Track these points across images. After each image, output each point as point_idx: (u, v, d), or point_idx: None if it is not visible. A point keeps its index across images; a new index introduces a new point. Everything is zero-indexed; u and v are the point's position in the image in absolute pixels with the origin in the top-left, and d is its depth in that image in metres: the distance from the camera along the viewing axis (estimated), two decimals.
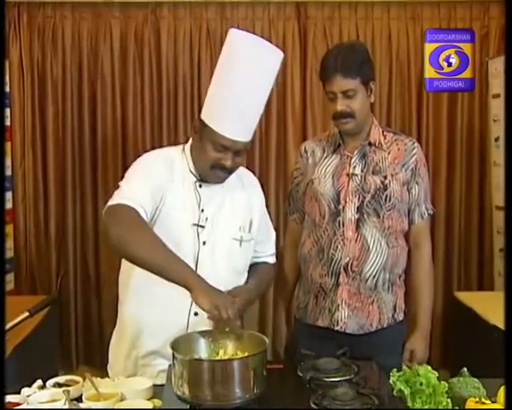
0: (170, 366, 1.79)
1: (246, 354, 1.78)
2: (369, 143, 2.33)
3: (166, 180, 2.04)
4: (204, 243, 2.06)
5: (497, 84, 4.01)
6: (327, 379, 1.85)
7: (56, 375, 1.99)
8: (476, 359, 2.83)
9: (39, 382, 1.91)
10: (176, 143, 4.02)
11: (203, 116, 2.06)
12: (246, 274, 2.20)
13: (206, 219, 2.07)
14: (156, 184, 2.01)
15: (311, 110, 4.20)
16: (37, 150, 4.18)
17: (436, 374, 1.74)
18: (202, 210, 2.07)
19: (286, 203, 2.59)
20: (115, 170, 4.14)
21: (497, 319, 3.03)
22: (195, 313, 2.02)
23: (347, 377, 1.86)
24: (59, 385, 1.89)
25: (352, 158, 2.32)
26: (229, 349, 1.85)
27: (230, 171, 2.07)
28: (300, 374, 1.88)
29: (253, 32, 4.06)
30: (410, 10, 4.20)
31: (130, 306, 2.14)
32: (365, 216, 2.28)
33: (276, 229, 4.30)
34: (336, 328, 2.30)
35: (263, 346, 1.76)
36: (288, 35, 4.18)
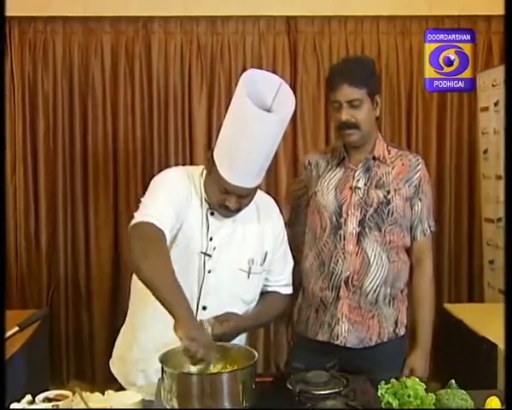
0: (159, 379, 1.79)
1: (235, 367, 1.78)
2: (374, 157, 2.31)
3: (186, 202, 2.03)
4: (209, 271, 2.04)
5: (485, 98, 4.04)
6: (316, 392, 1.84)
7: (47, 389, 1.98)
8: (466, 370, 2.84)
9: (28, 397, 1.90)
10: (166, 157, 4.13)
11: (215, 155, 2.02)
12: (254, 304, 2.17)
13: (214, 248, 2.04)
14: (180, 204, 1.99)
15: (301, 125, 4.23)
16: (27, 164, 4.18)
17: (424, 386, 1.74)
18: (211, 239, 2.04)
19: (287, 216, 2.52)
20: (106, 184, 4.15)
21: (486, 330, 3.04)
22: (204, 308, 2.02)
23: (336, 390, 1.85)
24: (48, 400, 1.87)
25: (355, 171, 2.31)
26: (218, 363, 1.85)
27: (237, 211, 2.03)
28: (290, 387, 1.88)
29: (244, 47, 4.17)
30: (399, 25, 4.25)
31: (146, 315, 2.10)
32: (367, 230, 2.26)
33: None
34: (336, 342, 2.28)
35: (252, 359, 1.77)
36: (279, 49, 4.22)
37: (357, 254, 2.26)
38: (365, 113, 2.24)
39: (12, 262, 4.17)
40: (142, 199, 2.02)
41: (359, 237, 2.26)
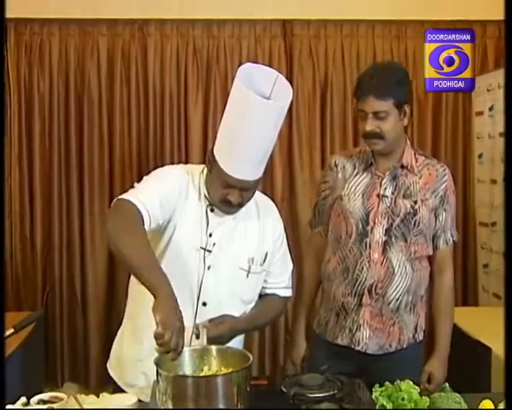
0: (154, 382, 1.80)
1: (230, 370, 1.79)
2: (402, 166, 2.31)
3: (180, 196, 2.04)
4: (209, 267, 2.05)
5: (480, 102, 4.06)
6: (310, 395, 1.85)
7: (41, 392, 1.99)
8: (460, 374, 2.85)
9: (23, 399, 1.90)
10: (162, 160, 4.13)
11: (215, 151, 2.04)
12: (252, 304, 2.18)
13: (214, 244, 2.05)
14: (168, 196, 1.99)
15: (296, 128, 4.22)
16: (23, 166, 4.17)
17: (418, 389, 1.76)
18: (210, 235, 2.06)
19: (310, 216, 2.54)
20: (101, 186, 4.15)
21: (480, 334, 3.06)
22: (204, 304, 2.03)
23: (331, 393, 1.85)
24: (43, 402, 1.87)
25: (383, 179, 2.30)
26: (213, 366, 1.86)
27: (239, 206, 2.04)
28: (284, 390, 1.88)
29: (240, 50, 4.18)
30: (395, 29, 4.26)
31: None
32: (393, 239, 2.26)
33: None
34: (357, 348, 2.30)
35: (247, 362, 1.77)
36: (274, 53, 4.22)
37: (382, 264, 2.26)
38: (391, 124, 2.22)
39: (7, 263, 4.15)
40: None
41: (385, 246, 2.27)
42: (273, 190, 4.19)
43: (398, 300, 2.28)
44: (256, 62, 4.09)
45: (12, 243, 4.18)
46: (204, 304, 2.05)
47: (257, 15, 4.15)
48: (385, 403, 1.72)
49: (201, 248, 2.04)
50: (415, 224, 2.27)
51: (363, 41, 4.25)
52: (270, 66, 4.14)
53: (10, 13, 3.65)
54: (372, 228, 2.27)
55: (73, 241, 4.19)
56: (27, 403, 1.89)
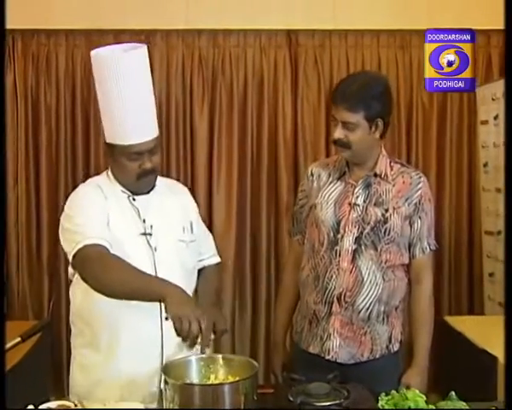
0: (161, 390, 1.80)
1: (237, 378, 1.79)
2: (375, 174, 2.29)
3: (103, 201, 2.13)
4: (155, 248, 2.12)
5: (484, 111, 4.06)
6: (317, 403, 1.85)
7: (48, 400, 1.99)
8: (466, 382, 2.84)
9: (31, 407, 1.91)
10: (168, 169, 4.14)
11: (107, 140, 2.15)
12: (195, 274, 2.28)
13: (151, 226, 2.13)
14: (100, 210, 2.10)
15: (302, 137, 4.25)
16: (30, 176, 4.20)
17: (424, 398, 1.75)
18: (144, 220, 2.14)
19: (289, 224, 2.56)
20: None
21: (486, 343, 3.05)
22: (166, 318, 2.03)
23: (337, 402, 1.86)
24: None
25: (355, 187, 2.29)
26: (220, 374, 1.86)
27: (153, 171, 2.14)
28: (291, 399, 1.88)
29: (245, 60, 4.20)
30: (399, 38, 4.27)
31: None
32: (363, 248, 2.24)
33: (268, 252, 4.35)
34: (327, 357, 2.28)
35: (253, 371, 1.78)
36: (280, 63, 4.24)
37: (350, 272, 2.24)
38: (358, 136, 2.21)
39: (13, 273, 4.18)
40: (65, 221, 2.14)
41: (354, 254, 2.24)
42: (278, 198, 4.22)
43: (368, 309, 2.25)
44: (261, 72, 4.21)
45: (18, 253, 4.20)
46: None
47: (262, 25, 4.18)
48: None
49: (142, 233, 2.12)
50: (385, 232, 2.25)
51: (367, 51, 4.27)
52: (275, 75, 4.21)
53: (17, 24, 3.72)
54: (342, 236, 2.25)
55: None
56: None
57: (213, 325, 2.00)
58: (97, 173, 4.06)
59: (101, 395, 2.06)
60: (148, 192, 2.19)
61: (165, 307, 1.83)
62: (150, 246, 2.11)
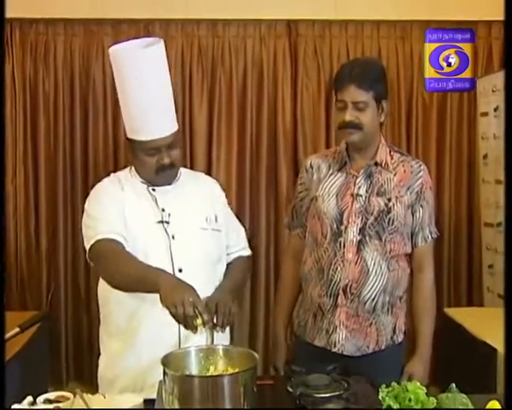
0: (160, 382, 1.80)
1: (236, 370, 1.78)
2: (376, 163, 2.29)
3: (119, 192, 2.18)
4: (173, 236, 2.13)
5: (485, 103, 4.05)
6: (317, 395, 1.85)
7: (46, 391, 1.99)
8: (466, 374, 2.85)
9: (30, 398, 1.90)
10: None
11: (127, 135, 2.18)
12: (222, 265, 2.27)
13: (169, 214, 2.15)
14: (115, 202, 2.14)
15: (301, 128, 4.23)
16: (28, 167, 4.18)
17: (425, 390, 1.75)
18: (163, 209, 2.16)
19: (288, 218, 2.54)
20: None
21: (486, 335, 3.05)
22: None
23: (337, 393, 1.86)
24: (49, 401, 1.88)
25: (357, 178, 2.29)
26: (219, 366, 1.86)
27: (172, 165, 2.16)
28: (290, 390, 1.88)
29: (245, 50, 4.18)
30: (400, 29, 4.25)
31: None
32: (367, 238, 2.24)
33: (267, 246, 4.34)
34: (333, 350, 2.28)
35: (253, 362, 1.77)
36: (279, 53, 4.22)
37: (356, 263, 2.24)
38: (369, 116, 2.22)
39: (12, 264, 4.16)
40: (84, 216, 2.23)
41: (359, 245, 2.25)
42: (278, 190, 4.20)
43: (373, 300, 2.25)
44: (261, 62, 4.19)
45: (17, 243, 4.19)
46: (180, 270, 2.11)
47: (262, 15, 4.15)
48: (391, 404, 1.71)
49: (159, 222, 2.14)
50: (389, 221, 2.25)
51: (367, 41, 4.25)
52: (275, 65, 4.19)
53: (15, 13, 3.69)
54: (346, 228, 2.25)
55: (78, 240, 4.18)
56: (33, 402, 1.89)
57: (215, 306, 1.95)
58: (96, 164, 4.14)
59: (121, 383, 2.13)
60: (170, 184, 2.21)
61: (160, 297, 1.83)
62: (167, 234, 2.13)
